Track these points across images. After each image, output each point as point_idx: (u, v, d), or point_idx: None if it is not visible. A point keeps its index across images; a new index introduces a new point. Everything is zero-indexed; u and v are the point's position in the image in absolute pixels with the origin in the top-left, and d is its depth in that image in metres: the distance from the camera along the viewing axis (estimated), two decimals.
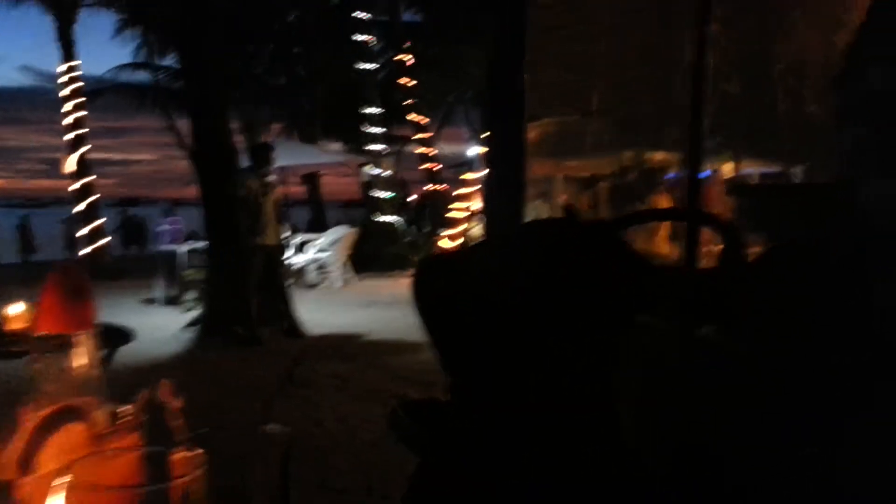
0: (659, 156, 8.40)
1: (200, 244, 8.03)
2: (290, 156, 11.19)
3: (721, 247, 1.28)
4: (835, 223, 1.00)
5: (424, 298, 1.45)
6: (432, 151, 17.12)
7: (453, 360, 1.49)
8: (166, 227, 9.46)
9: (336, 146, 17.07)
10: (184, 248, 8.48)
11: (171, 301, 8.54)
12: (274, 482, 0.89)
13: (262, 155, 6.86)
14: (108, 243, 13.86)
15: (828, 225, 1.06)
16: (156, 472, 0.63)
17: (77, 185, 13.47)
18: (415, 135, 16.89)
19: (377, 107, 14.45)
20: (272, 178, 6.98)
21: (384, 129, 14.83)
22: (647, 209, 4.82)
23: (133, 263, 12.85)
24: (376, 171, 14.03)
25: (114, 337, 2.94)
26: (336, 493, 3.50)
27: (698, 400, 0.86)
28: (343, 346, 6.70)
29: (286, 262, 9.49)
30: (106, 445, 0.77)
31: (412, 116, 16.30)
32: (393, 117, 16.58)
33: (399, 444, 1.59)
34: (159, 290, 8.85)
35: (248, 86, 13.53)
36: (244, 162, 7.10)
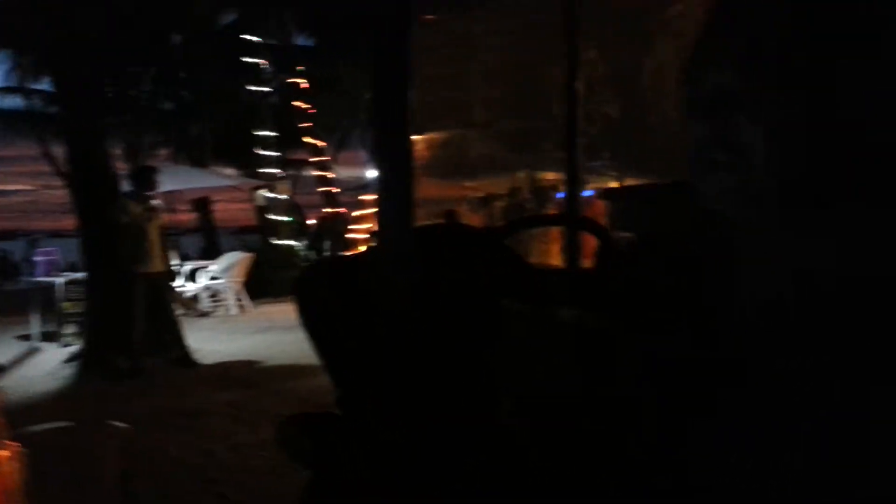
0: (550, 175, 8.74)
1: (79, 275, 7.58)
2: (178, 180, 10.79)
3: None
4: (680, 218, 1.07)
5: (306, 304, 1.43)
6: (330, 174, 16.96)
7: (338, 369, 1.48)
8: (41, 258, 8.87)
9: (229, 170, 16.63)
10: (61, 280, 7.98)
11: (49, 336, 8.01)
12: (109, 475, 0.85)
13: (144, 179, 6.58)
14: None
15: (675, 220, 1.13)
16: None
17: None
18: (312, 158, 16.68)
19: (271, 130, 14.20)
20: (156, 202, 6.71)
21: (279, 153, 14.59)
22: (528, 216, 4.97)
23: (6, 298, 12.00)
24: (271, 195, 13.76)
25: None
26: None
27: (558, 374, 0.89)
28: (239, 373, 6.49)
29: (177, 290, 9.13)
30: None
31: (308, 139, 16.11)
32: (288, 140, 16.32)
33: (292, 463, 1.56)
34: (35, 325, 8.28)
35: (129, 110, 12.99)
36: (126, 188, 6.80)
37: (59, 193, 8.44)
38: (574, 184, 1.48)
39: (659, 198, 1.32)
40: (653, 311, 0.82)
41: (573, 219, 1.49)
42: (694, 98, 0.71)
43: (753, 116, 0.64)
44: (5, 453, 0.56)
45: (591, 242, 1.43)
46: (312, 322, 1.40)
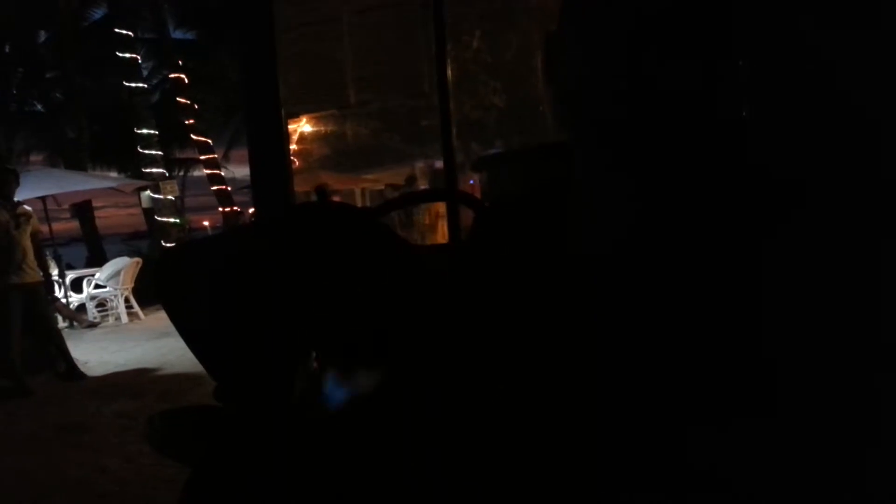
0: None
1: None
2: (53, 184, 10.16)
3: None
4: (542, 182, 1.09)
5: (165, 287, 1.36)
6: (221, 172, 16.40)
7: (208, 357, 1.42)
8: None
9: (112, 173, 15.79)
10: None
11: None
12: None
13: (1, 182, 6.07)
14: None
15: (538, 183, 1.15)
16: None
17: None
18: (200, 156, 16.07)
19: (153, 128, 13.56)
20: (27, 208, 6.27)
21: (163, 152, 13.98)
22: (404, 194, 4.98)
23: None
24: (157, 195, 13.16)
25: None
26: None
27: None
28: (131, 383, 6.19)
29: (60, 301, 8.60)
30: None
31: (195, 137, 15.51)
32: (173, 139, 15.65)
33: (166, 458, 1.49)
34: None
35: None
36: None
37: None
38: (450, 158, 1.48)
39: (524, 163, 1.34)
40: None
41: (448, 193, 1.49)
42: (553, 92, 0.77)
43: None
44: None
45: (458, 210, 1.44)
46: (168, 304, 1.33)
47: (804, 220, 0.73)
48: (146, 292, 9.78)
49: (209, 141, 16.00)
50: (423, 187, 10.12)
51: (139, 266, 9.75)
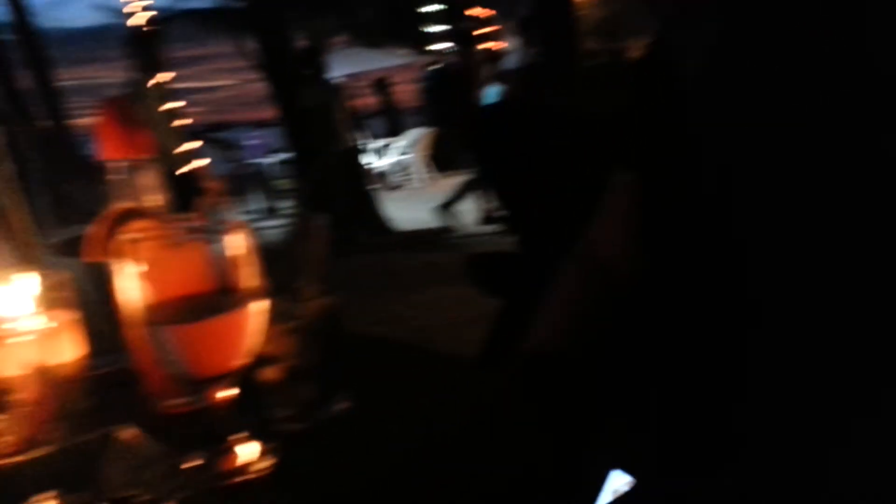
0: None
1: (287, 156, 8.35)
2: (356, 62, 11.26)
3: None
4: None
5: (487, 140, 1.56)
6: (500, 46, 16.68)
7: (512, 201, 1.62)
8: (252, 142, 9.85)
9: (402, 50, 16.93)
10: (273, 160, 8.86)
11: (270, 212, 8.99)
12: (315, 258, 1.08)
13: (311, 59, 6.94)
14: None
15: None
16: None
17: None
18: (479, 30, 16.46)
19: (439, 4, 14.15)
20: (337, 83, 7.14)
21: (448, 26, 14.57)
22: None
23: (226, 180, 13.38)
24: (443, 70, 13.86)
25: None
26: None
27: None
28: (431, 238, 6.96)
29: (367, 166, 9.75)
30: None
31: (475, 11, 15.86)
32: (454, 14, 16.15)
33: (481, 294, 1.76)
34: (255, 201, 9.30)
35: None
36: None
37: (257, 86, 9.16)
38: None
39: None
40: None
41: None
42: None
43: None
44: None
45: None
46: (489, 155, 1.53)
47: None
48: (442, 159, 10.63)
49: (490, 13, 16.25)
50: None
51: (436, 135, 10.58)
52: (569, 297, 0.95)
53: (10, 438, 0.84)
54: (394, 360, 1.23)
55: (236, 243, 0.79)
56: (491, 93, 6.86)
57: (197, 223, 0.92)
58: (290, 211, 8.23)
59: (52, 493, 0.76)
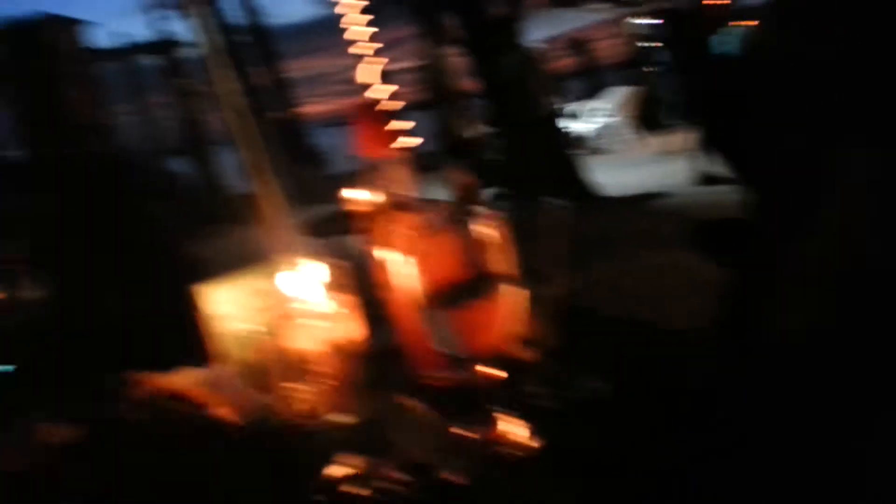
0: None
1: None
2: (552, 24, 11.11)
3: None
4: None
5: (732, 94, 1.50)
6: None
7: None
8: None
9: (599, 5, 16.34)
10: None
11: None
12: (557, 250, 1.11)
13: (507, 28, 6.95)
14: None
15: None
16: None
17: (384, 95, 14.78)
18: None
19: None
20: (534, 47, 7.13)
21: None
22: None
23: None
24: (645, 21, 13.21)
25: None
26: None
27: None
28: (637, 202, 6.77)
29: (568, 129, 9.60)
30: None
31: None
32: None
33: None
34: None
35: None
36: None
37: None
38: None
39: None
40: None
41: None
42: None
43: None
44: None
45: None
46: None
47: None
48: (649, 118, 10.18)
49: None
50: None
51: (643, 94, 10.17)
52: (809, 275, 0.91)
53: (310, 406, 0.99)
54: (629, 336, 1.26)
55: (492, 231, 0.87)
56: (728, 39, 5.92)
57: (456, 213, 1.02)
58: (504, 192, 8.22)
59: (355, 456, 0.90)
